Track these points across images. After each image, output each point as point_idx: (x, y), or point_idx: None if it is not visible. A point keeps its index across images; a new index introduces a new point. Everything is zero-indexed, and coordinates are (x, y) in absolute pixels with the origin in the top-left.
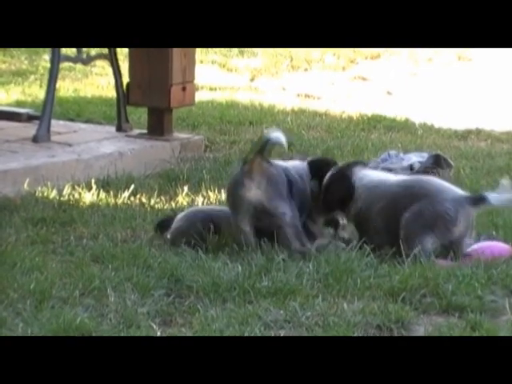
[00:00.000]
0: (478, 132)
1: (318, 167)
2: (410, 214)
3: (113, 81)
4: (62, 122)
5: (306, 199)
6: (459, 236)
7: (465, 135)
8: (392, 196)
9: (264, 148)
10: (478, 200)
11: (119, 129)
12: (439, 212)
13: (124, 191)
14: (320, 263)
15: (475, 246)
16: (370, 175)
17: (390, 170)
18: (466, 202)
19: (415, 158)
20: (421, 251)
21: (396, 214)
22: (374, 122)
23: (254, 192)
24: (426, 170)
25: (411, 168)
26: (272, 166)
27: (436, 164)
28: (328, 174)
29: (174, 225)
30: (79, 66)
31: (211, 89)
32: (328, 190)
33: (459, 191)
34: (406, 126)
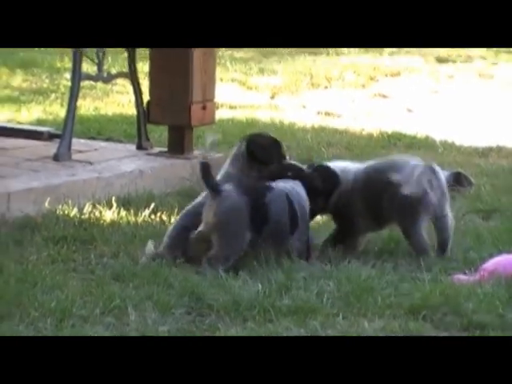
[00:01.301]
0: (499, 149)
1: None
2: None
3: (133, 99)
4: (82, 141)
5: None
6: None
7: (485, 153)
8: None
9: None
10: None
11: (140, 147)
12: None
13: (144, 209)
14: (341, 281)
15: (496, 260)
16: (342, 164)
17: None
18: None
19: None
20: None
21: (376, 197)
22: (395, 140)
23: None
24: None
25: None
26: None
27: (457, 182)
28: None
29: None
30: (100, 84)
31: (231, 107)
32: (313, 183)
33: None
34: (426, 144)
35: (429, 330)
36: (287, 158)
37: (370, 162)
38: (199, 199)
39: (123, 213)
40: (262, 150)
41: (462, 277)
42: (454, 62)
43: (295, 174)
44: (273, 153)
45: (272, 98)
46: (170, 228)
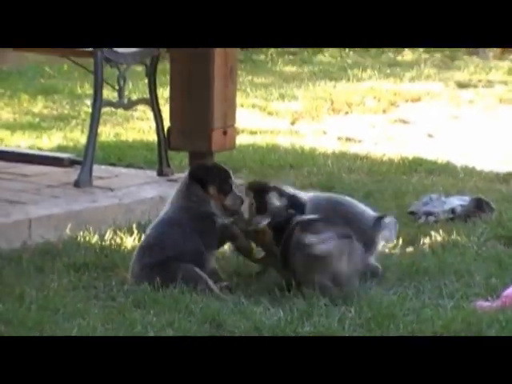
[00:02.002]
0: None
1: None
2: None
3: (154, 125)
4: (103, 167)
5: None
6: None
7: (507, 178)
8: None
9: None
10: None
11: (160, 173)
12: None
13: None
14: (362, 308)
15: None
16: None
17: (431, 213)
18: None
19: (457, 202)
20: None
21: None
22: (415, 165)
23: None
24: (467, 213)
25: (453, 212)
26: None
27: (478, 208)
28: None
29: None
30: (120, 110)
31: (252, 132)
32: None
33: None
34: (447, 169)
35: None
36: (234, 186)
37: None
38: (150, 231)
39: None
40: (202, 171)
41: (484, 303)
42: (475, 86)
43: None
44: (214, 175)
45: (292, 123)
46: (134, 263)
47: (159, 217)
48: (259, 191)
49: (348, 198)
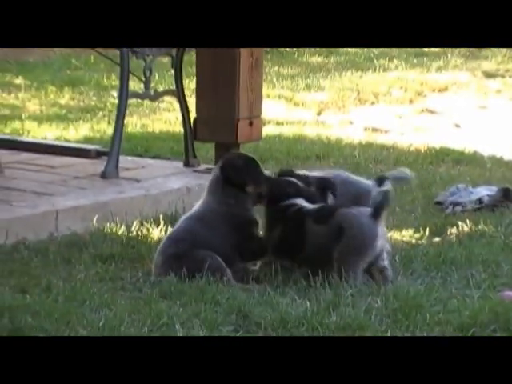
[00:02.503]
0: None
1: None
2: None
3: (180, 116)
4: (130, 158)
5: None
6: None
7: None
8: None
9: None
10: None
11: (187, 164)
12: None
13: None
14: (388, 298)
15: None
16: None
17: (458, 203)
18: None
19: (484, 192)
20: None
21: None
22: (442, 155)
23: (381, 241)
24: (495, 203)
25: (480, 202)
26: None
27: (505, 197)
28: None
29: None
30: (147, 101)
31: (278, 123)
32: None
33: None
34: (474, 159)
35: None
36: (266, 176)
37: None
38: (180, 224)
39: (170, 230)
40: (237, 173)
41: (511, 293)
42: (502, 76)
43: (295, 191)
44: (249, 173)
45: (319, 114)
46: (158, 255)
47: (192, 211)
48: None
49: (349, 174)
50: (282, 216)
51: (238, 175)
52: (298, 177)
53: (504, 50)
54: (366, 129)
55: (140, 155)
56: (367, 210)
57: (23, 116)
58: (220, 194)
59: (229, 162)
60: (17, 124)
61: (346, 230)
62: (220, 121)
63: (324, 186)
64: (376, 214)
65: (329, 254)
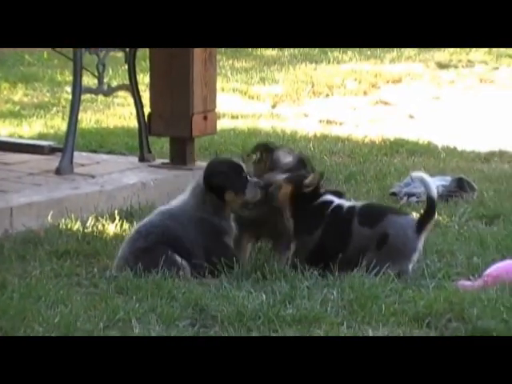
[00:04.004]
0: (502, 154)
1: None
2: None
3: (134, 111)
4: (84, 154)
5: None
6: None
7: (488, 158)
8: None
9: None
10: None
11: (142, 159)
12: None
13: None
14: (344, 290)
15: (500, 266)
16: None
17: (413, 194)
18: None
19: (438, 182)
20: None
21: None
22: (397, 147)
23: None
24: (449, 193)
25: None
26: None
27: (459, 187)
28: None
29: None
30: (101, 97)
31: (233, 117)
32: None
33: None
34: (428, 150)
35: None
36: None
37: None
38: (149, 218)
39: (126, 225)
40: (218, 179)
41: (466, 283)
42: (455, 67)
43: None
44: (230, 180)
45: (273, 106)
46: (123, 250)
47: (168, 206)
48: (267, 150)
49: None
50: (321, 215)
51: (218, 182)
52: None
53: None
54: (320, 121)
55: (94, 151)
56: (413, 221)
57: None
58: (198, 200)
59: (211, 167)
60: None
61: (389, 239)
62: (174, 115)
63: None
64: (420, 228)
65: (364, 257)
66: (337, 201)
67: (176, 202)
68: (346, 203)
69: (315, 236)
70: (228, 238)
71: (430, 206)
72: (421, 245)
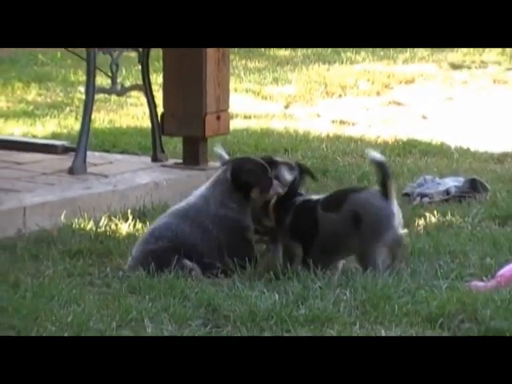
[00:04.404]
0: None
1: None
2: None
3: (147, 111)
4: (97, 154)
5: None
6: None
7: (501, 158)
8: None
9: (387, 170)
10: None
11: (155, 159)
12: None
13: None
14: (357, 290)
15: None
16: None
17: (426, 195)
18: None
19: (451, 183)
20: None
21: None
22: (410, 147)
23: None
24: (462, 194)
25: (447, 193)
26: None
27: (472, 188)
28: None
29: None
30: (114, 97)
31: (246, 117)
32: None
33: None
34: (441, 151)
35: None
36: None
37: None
38: (161, 219)
39: (139, 225)
40: (246, 177)
41: (478, 283)
42: (469, 68)
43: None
44: (258, 179)
45: (286, 107)
46: (136, 250)
47: (183, 206)
48: (269, 165)
49: None
50: (291, 207)
51: (246, 179)
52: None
53: None
54: (333, 121)
55: (107, 150)
56: (375, 191)
57: None
58: (224, 197)
59: (239, 165)
60: None
61: (362, 216)
62: (187, 115)
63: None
64: (385, 193)
65: (344, 243)
66: (309, 197)
67: (192, 200)
68: (314, 197)
69: (286, 222)
70: (251, 235)
71: (380, 169)
72: (395, 208)
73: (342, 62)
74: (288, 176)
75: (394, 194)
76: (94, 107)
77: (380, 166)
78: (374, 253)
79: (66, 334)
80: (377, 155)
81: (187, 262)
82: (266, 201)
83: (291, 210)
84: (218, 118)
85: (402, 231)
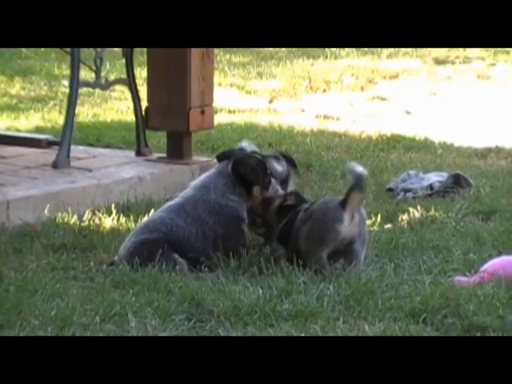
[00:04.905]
0: (498, 150)
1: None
2: None
3: (132, 105)
4: (81, 148)
5: None
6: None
7: (484, 154)
8: None
9: (361, 184)
10: None
11: (139, 153)
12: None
13: (144, 215)
14: (340, 285)
15: (496, 262)
16: None
17: (409, 190)
18: None
19: (435, 178)
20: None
21: None
22: (394, 142)
23: (349, 228)
24: (445, 189)
25: (431, 188)
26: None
27: (456, 183)
28: None
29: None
30: (98, 90)
31: (230, 111)
32: None
33: None
34: (425, 146)
35: (429, 333)
36: (272, 179)
37: None
38: (157, 213)
39: (123, 219)
40: (250, 172)
41: (462, 279)
42: (452, 63)
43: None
44: (260, 176)
45: (270, 101)
46: (129, 240)
47: (179, 201)
48: None
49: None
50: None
51: (250, 175)
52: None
53: None
54: (317, 116)
55: (92, 144)
56: (339, 199)
57: None
58: (227, 188)
59: (243, 160)
60: None
61: (313, 213)
62: (172, 109)
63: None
64: (344, 201)
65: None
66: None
67: (190, 193)
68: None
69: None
70: (246, 228)
71: (355, 180)
72: (347, 218)
73: (327, 57)
74: (278, 167)
75: (353, 205)
76: (78, 101)
77: (357, 178)
78: (315, 254)
79: (49, 329)
80: (358, 168)
81: (175, 256)
82: (267, 198)
83: (288, 215)
84: (203, 112)
85: (350, 236)
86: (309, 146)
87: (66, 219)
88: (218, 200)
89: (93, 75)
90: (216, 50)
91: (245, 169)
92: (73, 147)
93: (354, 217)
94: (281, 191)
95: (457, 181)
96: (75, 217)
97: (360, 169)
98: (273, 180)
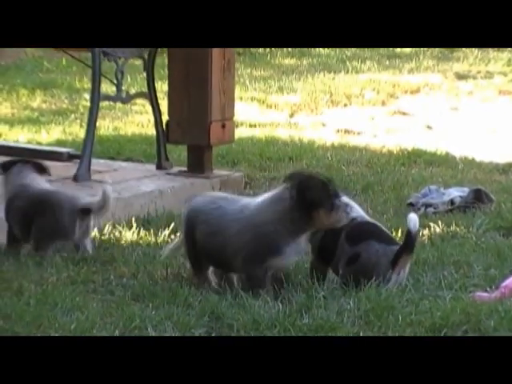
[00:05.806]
0: None
1: None
2: None
3: (152, 119)
4: (102, 161)
5: None
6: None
7: (506, 169)
8: None
9: (413, 245)
10: None
11: (159, 167)
12: None
13: (164, 229)
14: (361, 300)
15: None
16: None
17: (430, 205)
18: None
19: (456, 193)
20: None
21: None
22: (415, 157)
23: (393, 285)
24: (467, 204)
25: (452, 203)
26: None
27: (477, 199)
28: None
29: None
30: (119, 104)
31: (251, 125)
32: None
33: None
34: (446, 161)
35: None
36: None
37: None
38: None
39: (143, 233)
40: (311, 195)
41: (483, 294)
42: (474, 78)
43: None
44: (323, 199)
45: (291, 116)
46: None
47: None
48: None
49: None
50: None
51: (312, 198)
52: None
53: (475, 51)
54: (338, 131)
55: (112, 158)
56: (392, 251)
57: None
58: (284, 214)
59: (306, 182)
60: None
61: (360, 259)
62: (192, 123)
63: None
64: (394, 261)
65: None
66: None
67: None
68: None
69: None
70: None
71: (407, 240)
72: (394, 279)
73: (348, 72)
74: None
75: (403, 266)
76: (99, 114)
77: (409, 239)
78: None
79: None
80: (412, 223)
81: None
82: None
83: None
84: (223, 126)
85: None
86: (329, 160)
87: None
88: (261, 228)
89: (114, 89)
90: (237, 64)
91: (309, 191)
92: (93, 160)
93: (399, 274)
94: (345, 219)
95: (478, 196)
96: (95, 230)
97: (413, 226)
98: (340, 204)
